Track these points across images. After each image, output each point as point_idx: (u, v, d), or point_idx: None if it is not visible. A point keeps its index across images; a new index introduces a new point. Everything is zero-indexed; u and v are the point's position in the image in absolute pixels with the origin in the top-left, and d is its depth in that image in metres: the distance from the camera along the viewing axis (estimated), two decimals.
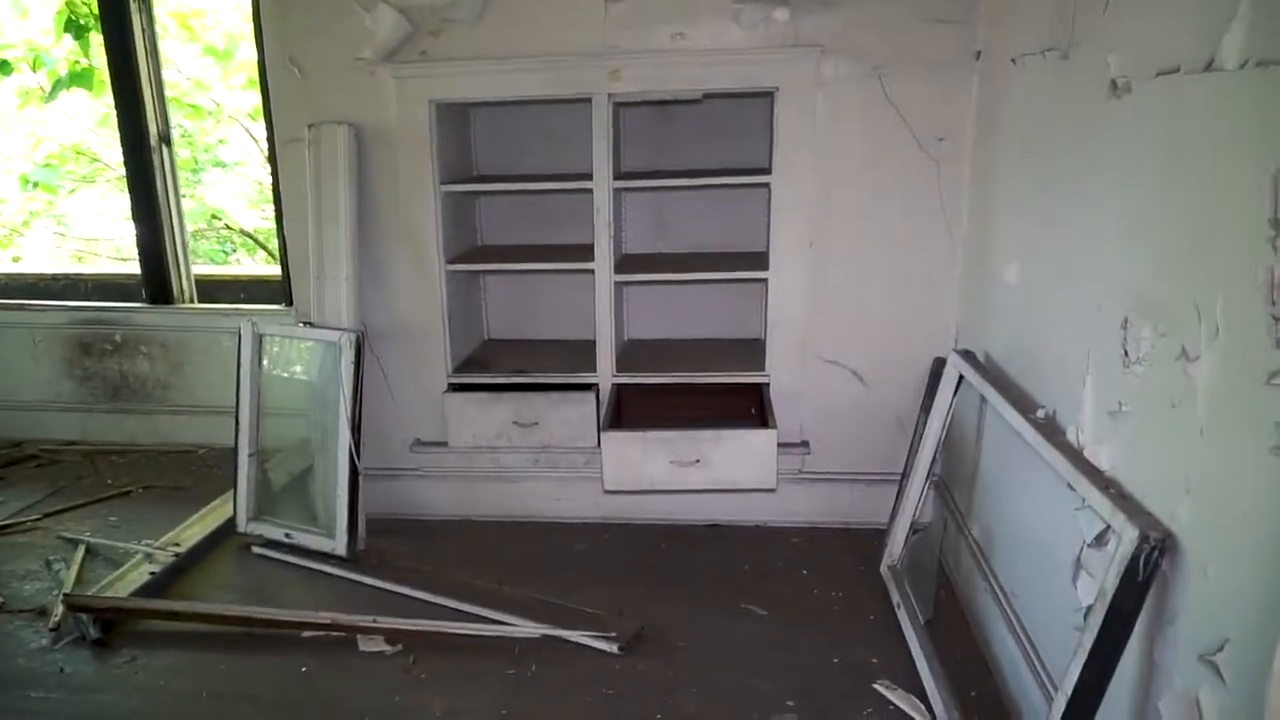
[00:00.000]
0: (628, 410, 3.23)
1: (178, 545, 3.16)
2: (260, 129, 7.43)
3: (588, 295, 3.21)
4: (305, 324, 3.19)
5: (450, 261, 3.22)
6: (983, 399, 2.53)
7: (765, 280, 3.10)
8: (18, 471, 4.04)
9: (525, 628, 2.65)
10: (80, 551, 3.20)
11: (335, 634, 2.65)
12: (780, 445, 2.90)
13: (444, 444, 3.34)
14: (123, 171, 4.15)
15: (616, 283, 3.17)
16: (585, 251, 3.16)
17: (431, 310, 3.25)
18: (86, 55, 5.15)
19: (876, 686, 2.38)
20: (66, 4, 4.88)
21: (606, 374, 3.23)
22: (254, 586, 3.02)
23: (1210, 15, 1.41)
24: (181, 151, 7.86)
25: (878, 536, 3.07)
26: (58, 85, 5.43)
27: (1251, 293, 1.28)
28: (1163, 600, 1.53)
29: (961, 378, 2.63)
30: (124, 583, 2.90)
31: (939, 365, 2.90)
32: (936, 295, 3.04)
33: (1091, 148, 1.91)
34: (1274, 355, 1.23)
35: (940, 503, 3.06)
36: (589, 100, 2.98)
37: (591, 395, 3.19)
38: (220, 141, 7.64)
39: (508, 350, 3.57)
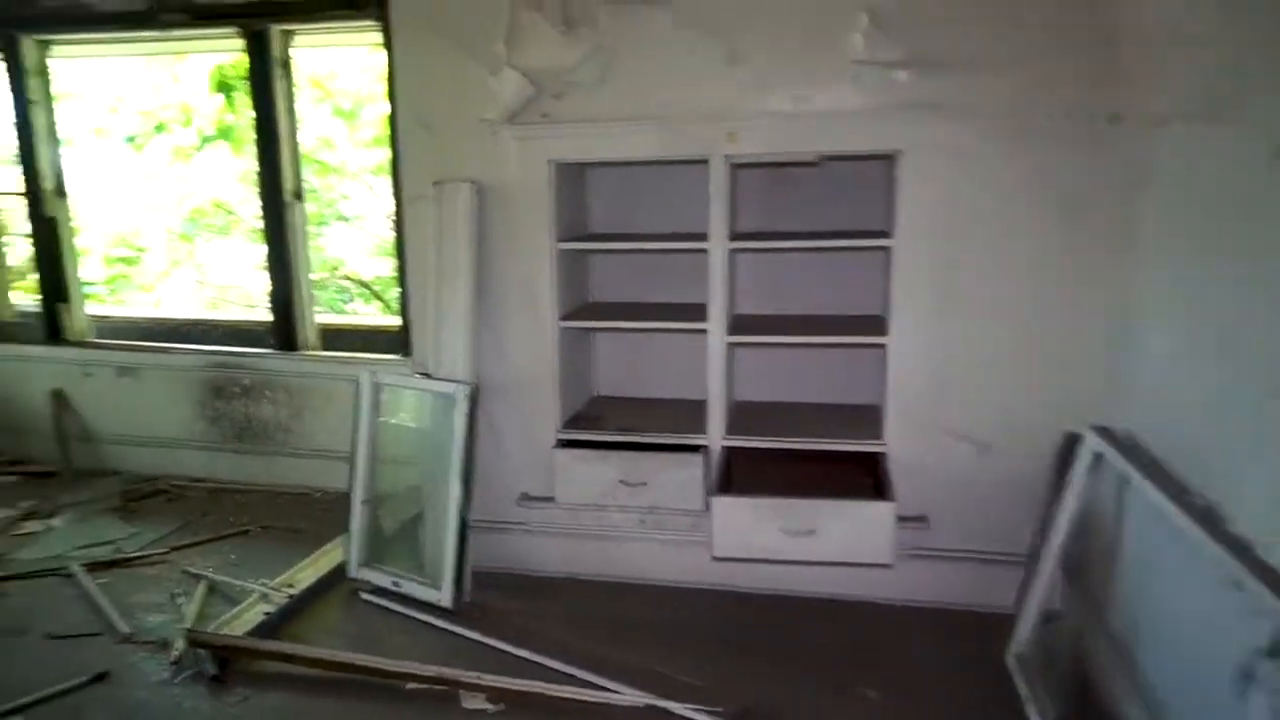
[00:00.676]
0: (737, 474, 3.15)
1: (291, 587, 3.23)
2: (381, 184, 7.81)
3: (698, 355, 3.18)
4: (421, 374, 3.26)
5: (564, 317, 3.25)
6: (1124, 479, 2.35)
7: (883, 345, 3.00)
8: (150, 505, 4.24)
9: (629, 696, 2.58)
10: (202, 587, 3.31)
11: (439, 687, 2.65)
12: (897, 519, 2.78)
13: (551, 499, 3.34)
14: (256, 224, 4.39)
15: (729, 344, 3.13)
16: (697, 311, 3.14)
17: (543, 365, 3.28)
18: (233, 111, 5.52)
19: None
20: (218, 67, 5.27)
21: (716, 436, 3.17)
22: (361, 633, 3.06)
23: None
24: (311, 206, 8.34)
25: (1000, 621, 2.88)
26: (205, 142, 5.84)
27: None
28: None
29: (1099, 455, 2.46)
30: (240, 621, 2.98)
31: (1072, 440, 2.72)
32: (1069, 365, 2.87)
33: (1258, 217, 1.77)
34: None
35: (1072, 590, 2.85)
36: (705, 161, 2.98)
37: (700, 457, 3.14)
38: (344, 197, 8.05)
39: (616, 407, 3.57)
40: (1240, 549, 1.70)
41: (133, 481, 4.51)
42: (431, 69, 3.22)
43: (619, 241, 3.33)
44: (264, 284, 4.41)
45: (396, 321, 4.38)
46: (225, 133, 5.69)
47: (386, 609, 3.17)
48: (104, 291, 7.07)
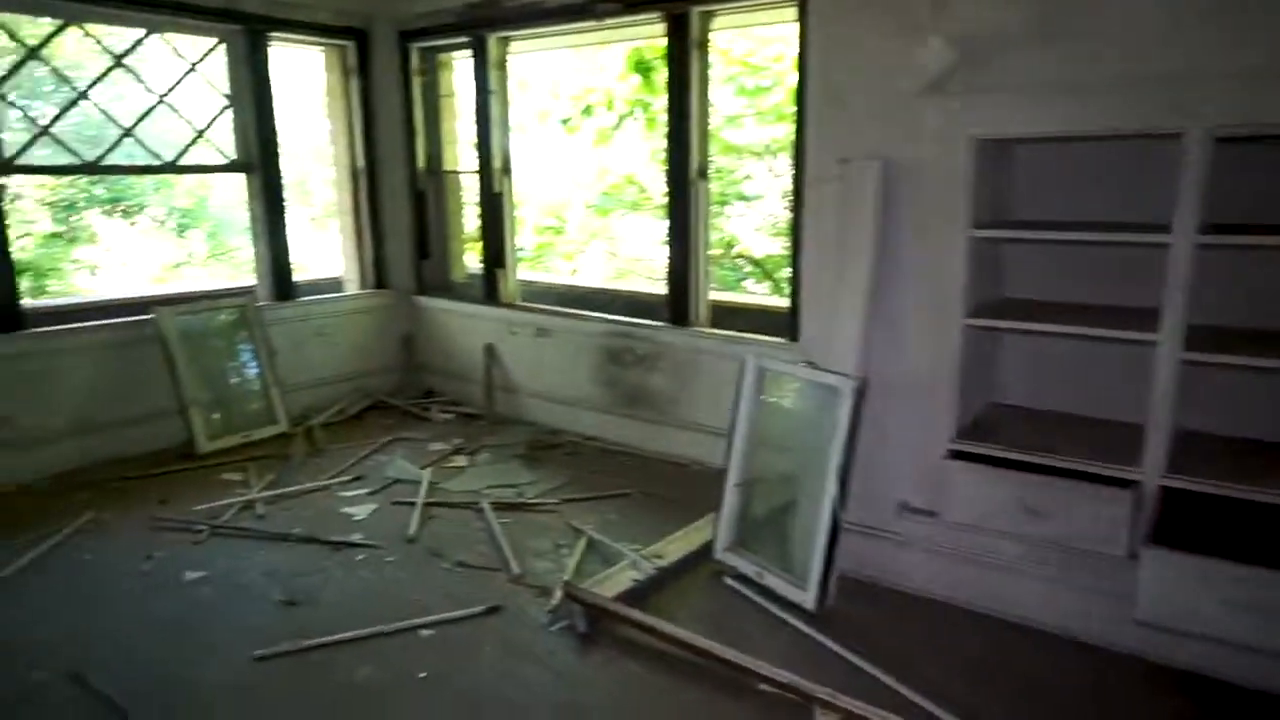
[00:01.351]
0: (1176, 522, 2.55)
1: (660, 558, 3.30)
2: (781, 164, 7.80)
3: (1133, 369, 2.63)
4: (807, 363, 3.10)
5: (971, 314, 2.88)
6: None
7: None
8: (551, 456, 4.66)
9: None
10: (582, 543, 3.53)
11: (790, 695, 2.50)
12: None
13: (934, 514, 3.01)
14: (662, 201, 4.55)
15: (1183, 360, 2.53)
16: (1138, 318, 2.58)
17: (941, 365, 2.95)
18: (650, 91, 5.81)
19: None
20: (636, 49, 5.56)
21: (1153, 471, 2.59)
22: (719, 618, 3.02)
23: None
24: (713, 185, 8.64)
25: None
26: (621, 120, 6.24)
27: None
28: None
29: None
30: (611, 583, 3.10)
31: None
32: None
33: None
34: None
35: None
36: (1175, 136, 2.41)
37: (1128, 494, 2.59)
38: (747, 177, 8.18)
39: (1020, 420, 3.11)
40: None
41: (539, 432, 5.00)
42: (846, 39, 3.01)
43: (1048, 230, 2.85)
44: (663, 259, 4.57)
45: (785, 303, 4.28)
46: (639, 111, 6.03)
47: (747, 598, 3.10)
48: (532, 259, 8.01)
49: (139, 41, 4.61)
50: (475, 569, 3.35)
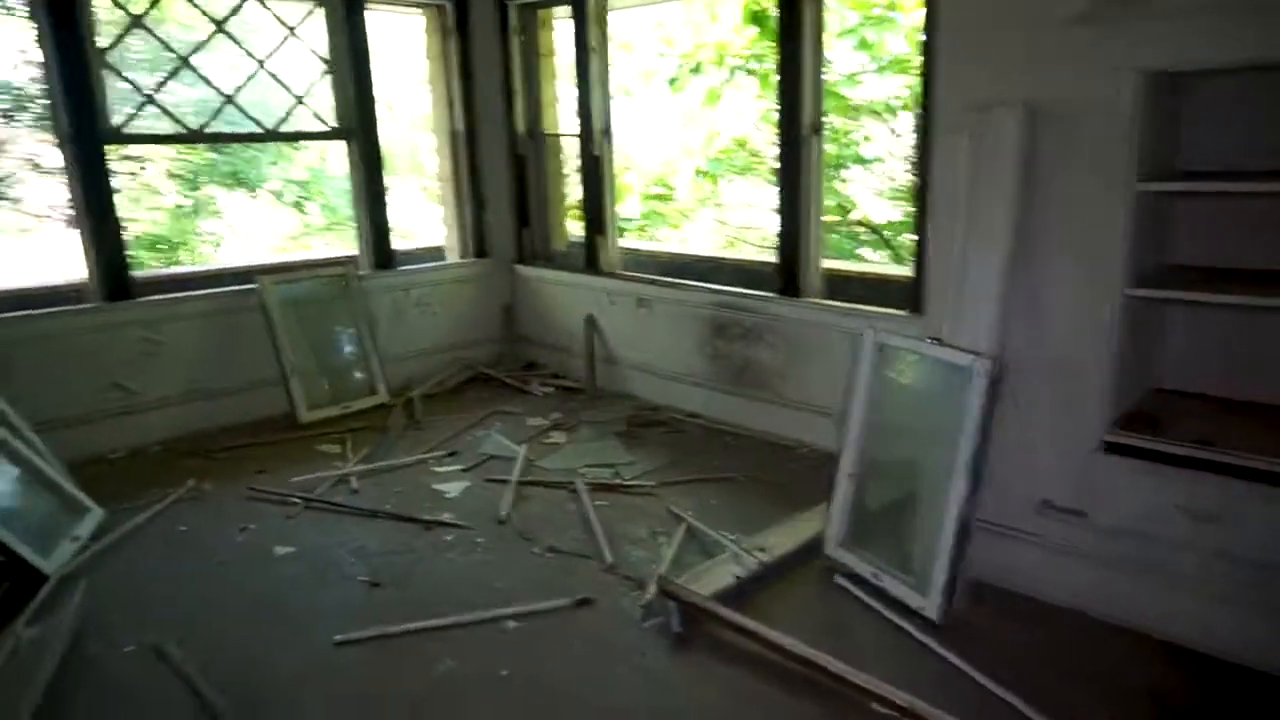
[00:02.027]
0: None
1: (764, 551, 3.02)
2: (903, 122, 7.24)
3: None
4: (933, 340, 2.74)
5: (1134, 284, 2.45)
6: None
7: None
8: (651, 433, 4.43)
9: None
10: (681, 531, 3.28)
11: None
12: None
13: (1081, 514, 2.62)
14: (773, 164, 4.20)
15: None
16: None
17: (1094, 344, 2.53)
18: (769, 43, 5.39)
19: None
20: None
21: None
22: (828, 622, 2.73)
23: None
24: (828, 147, 8.14)
25: None
26: (733, 73, 5.86)
27: None
28: None
29: None
30: (710, 577, 2.85)
31: None
32: None
33: None
34: None
35: None
36: None
37: None
38: (866, 139, 7.66)
39: (1187, 408, 2.66)
40: None
41: (639, 408, 4.77)
42: None
43: (1234, 180, 2.37)
44: (773, 225, 4.23)
45: (907, 272, 3.88)
46: (754, 66, 5.64)
47: (861, 601, 2.79)
48: (639, 227, 7.76)
49: (237, 7, 4.56)
50: (567, 555, 3.16)
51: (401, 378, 5.13)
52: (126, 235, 4.44)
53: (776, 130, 4.09)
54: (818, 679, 2.37)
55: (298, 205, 10.14)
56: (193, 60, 4.56)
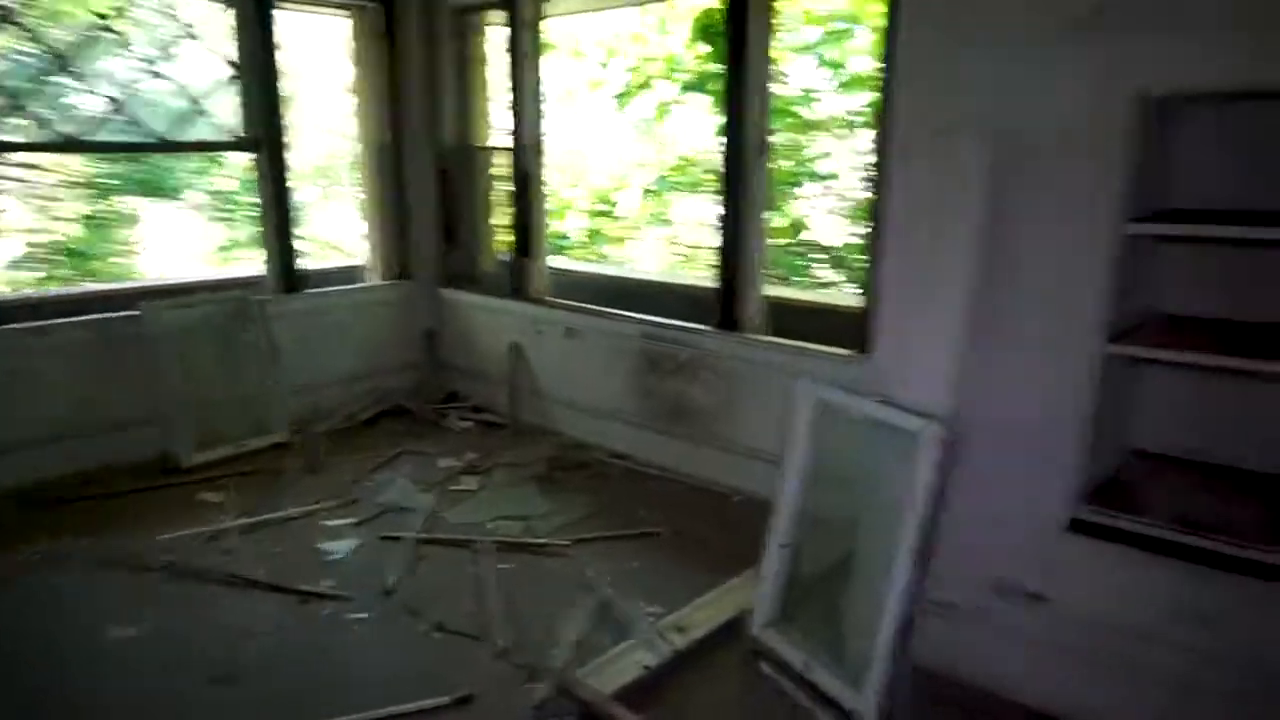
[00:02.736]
0: None
1: (682, 632, 2.61)
2: (863, 141, 6.92)
3: None
4: (880, 399, 2.35)
5: (1114, 338, 2.08)
6: None
7: None
8: (574, 478, 4.00)
9: None
10: (590, 607, 2.85)
11: None
12: None
13: (1043, 599, 2.25)
14: (717, 188, 3.81)
15: None
16: None
17: (1062, 403, 2.17)
18: (720, 61, 5.08)
19: None
20: (705, 11, 4.79)
21: None
22: None
23: None
24: (784, 162, 7.79)
25: None
26: (685, 90, 5.51)
27: None
28: None
29: None
30: (616, 668, 2.44)
31: None
32: None
33: None
34: None
35: None
36: None
37: None
38: (825, 154, 7.33)
39: (1170, 476, 2.31)
40: None
41: (564, 446, 4.36)
42: None
43: (1236, 225, 2.00)
44: (713, 250, 3.84)
45: (857, 303, 3.51)
46: (704, 83, 5.27)
47: (789, 697, 2.39)
48: (582, 246, 7.34)
49: (121, 7, 4.09)
50: (456, 636, 2.72)
51: (309, 410, 4.65)
52: (30, 247, 3.91)
53: (721, 149, 3.71)
54: None
55: (227, 218, 9.57)
56: (86, 62, 4.06)
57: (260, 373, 4.41)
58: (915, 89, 2.39)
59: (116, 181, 8.45)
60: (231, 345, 4.38)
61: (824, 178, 7.38)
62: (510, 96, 4.58)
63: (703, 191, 7.48)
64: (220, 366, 4.33)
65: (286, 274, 4.66)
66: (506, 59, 4.54)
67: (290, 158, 4.57)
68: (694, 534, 3.41)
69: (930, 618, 2.42)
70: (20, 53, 4.89)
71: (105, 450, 4.03)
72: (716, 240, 3.79)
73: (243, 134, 4.48)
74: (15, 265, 7.60)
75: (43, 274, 7.59)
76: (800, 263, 7.58)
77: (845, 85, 6.65)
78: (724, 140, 3.69)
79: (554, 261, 4.95)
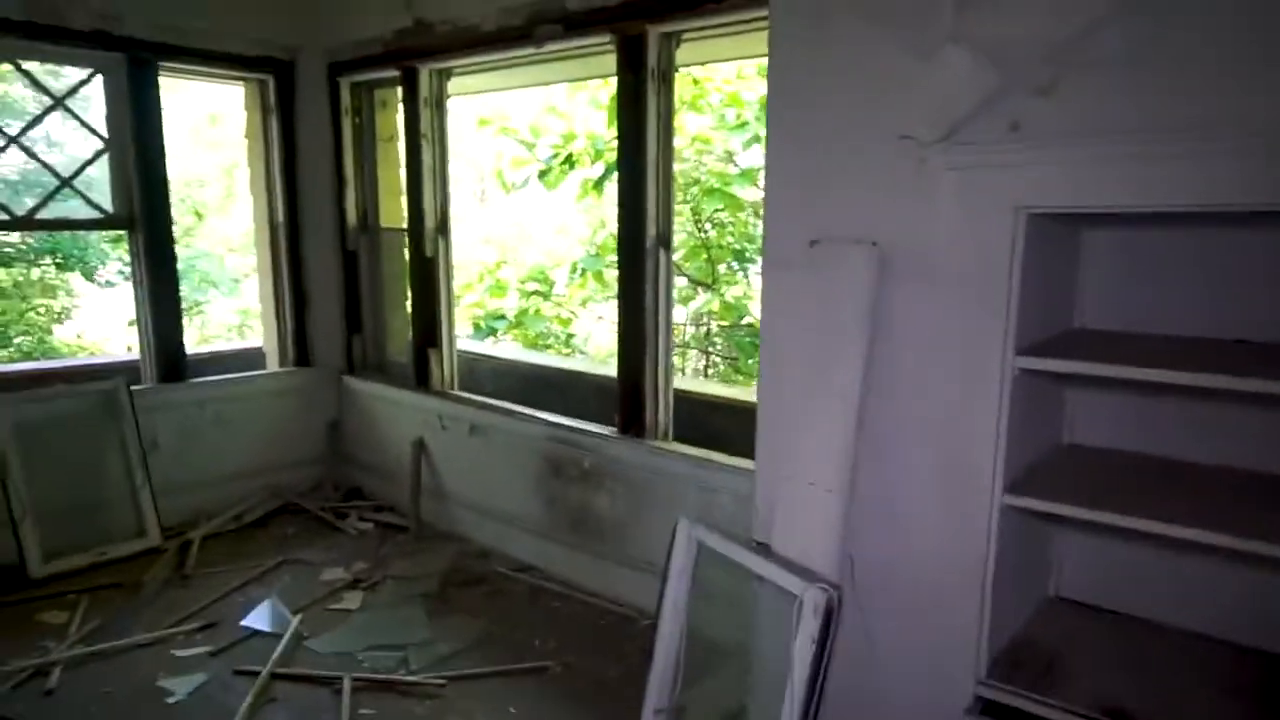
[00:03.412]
0: None
1: None
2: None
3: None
4: (759, 544, 2.07)
5: (1012, 488, 1.83)
6: None
7: None
8: (468, 595, 3.64)
9: None
10: None
11: None
12: None
13: None
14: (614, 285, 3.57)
15: None
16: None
17: (965, 555, 1.90)
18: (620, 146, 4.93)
19: None
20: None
21: None
22: None
23: None
24: (728, 239, 7.63)
25: None
26: (606, 173, 5.34)
27: None
28: None
29: None
30: None
31: None
32: None
33: None
34: None
35: None
36: None
37: None
38: (755, 238, 7.19)
39: (1094, 634, 2.03)
40: None
41: (465, 554, 4.00)
42: (823, 60, 2.02)
43: (1139, 368, 1.77)
44: (613, 353, 3.59)
45: None
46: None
47: None
48: (514, 324, 7.07)
49: None
50: None
51: (189, 511, 4.26)
52: None
53: (617, 241, 3.47)
54: None
55: None
56: None
57: (129, 472, 4.02)
58: (787, 192, 2.15)
59: (25, 248, 8.07)
60: (98, 440, 4.00)
61: (755, 261, 7.23)
62: (407, 177, 4.33)
63: None
64: (83, 465, 3.94)
65: (170, 360, 4.31)
66: (405, 138, 4.31)
67: (169, 236, 4.25)
68: (588, 669, 3.06)
69: None
70: None
71: None
72: (615, 341, 3.53)
73: (114, 210, 4.15)
74: None
75: None
76: (749, 346, 7.36)
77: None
78: (619, 231, 3.46)
79: (477, 346, 4.66)
